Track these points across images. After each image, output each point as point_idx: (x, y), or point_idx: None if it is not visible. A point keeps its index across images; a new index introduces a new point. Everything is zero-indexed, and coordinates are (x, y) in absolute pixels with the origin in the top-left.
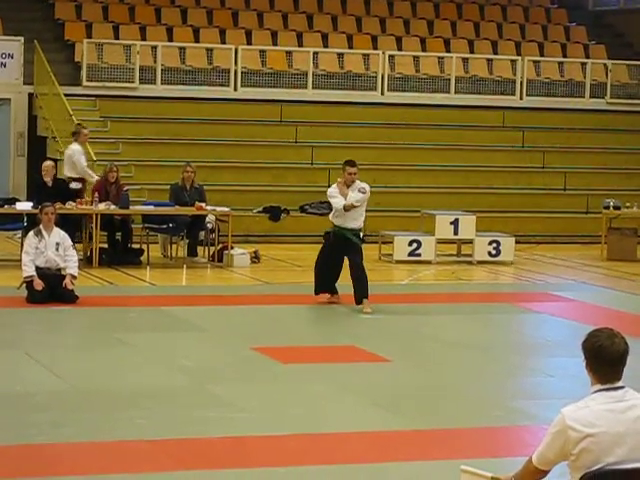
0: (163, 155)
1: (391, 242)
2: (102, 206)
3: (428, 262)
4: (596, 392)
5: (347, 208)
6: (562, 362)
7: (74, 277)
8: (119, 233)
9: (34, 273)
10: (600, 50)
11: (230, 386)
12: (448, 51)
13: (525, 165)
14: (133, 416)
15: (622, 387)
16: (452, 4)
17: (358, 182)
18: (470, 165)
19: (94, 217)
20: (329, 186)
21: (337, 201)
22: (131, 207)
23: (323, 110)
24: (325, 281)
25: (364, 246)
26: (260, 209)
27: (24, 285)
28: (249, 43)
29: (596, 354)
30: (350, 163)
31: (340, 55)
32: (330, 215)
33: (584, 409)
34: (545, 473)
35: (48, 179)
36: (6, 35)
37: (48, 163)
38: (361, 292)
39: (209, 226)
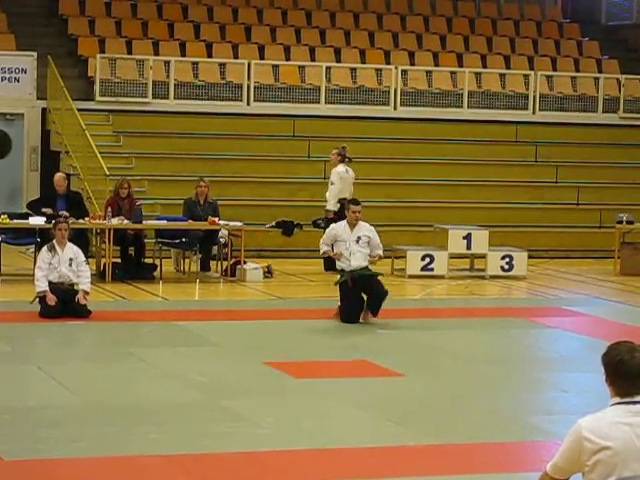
0: (176, 170)
1: (404, 257)
2: (115, 221)
3: (441, 277)
4: (614, 405)
5: (335, 254)
6: (576, 377)
7: (87, 293)
8: (132, 248)
9: (47, 288)
10: (613, 65)
11: (243, 401)
12: (461, 66)
13: (538, 180)
14: (147, 431)
15: None
16: (465, 19)
17: (362, 223)
18: (483, 180)
19: (107, 232)
20: None
21: (323, 247)
22: (144, 222)
23: (336, 125)
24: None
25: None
26: (273, 224)
27: (37, 300)
28: (262, 58)
29: (616, 368)
30: (354, 202)
31: (353, 70)
32: (339, 264)
33: (601, 420)
34: None
35: (61, 191)
36: (19, 50)
37: (59, 175)
38: (372, 306)
39: (222, 241)
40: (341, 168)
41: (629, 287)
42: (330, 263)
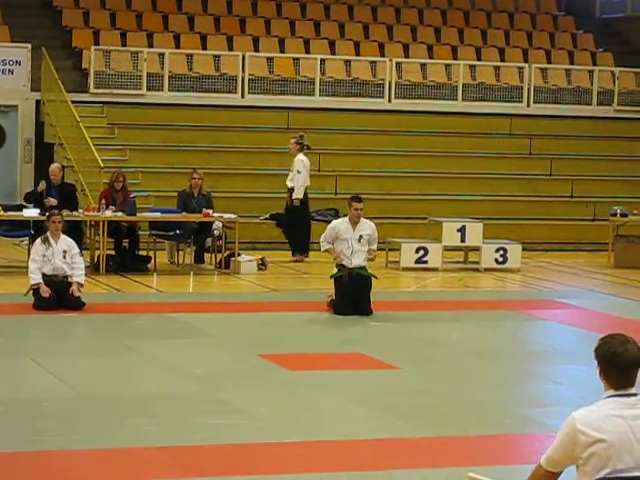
0: (170, 162)
1: (398, 249)
2: (109, 213)
3: (435, 269)
4: (608, 397)
5: (335, 258)
6: (569, 369)
7: (81, 285)
8: (126, 240)
9: (41, 280)
10: (607, 57)
11: (238, 393)
12: (455, 58)
13: (532, 172)
14: (141, 423)
15: (635, 394)
16: (459, 11)
17: (363, 220)
18: (477, 172)
19: (101, 224)
20: (336, 193)
21: (325, 245)
22: (138, 214)
23: (330, 117)
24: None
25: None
26: (267, 216)
27: (31, 292)
28: (256, 50)
29: (609, 360)
30: (356, 199)
31: (347, 62)
32: (339, 262)
33: (595, 413)
34: (555, 477)
35: (55, 182)
36: (14, 42)
37: (55, 165)
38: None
39: (216, 233)
40: (303, 156)
41: (623, 280)
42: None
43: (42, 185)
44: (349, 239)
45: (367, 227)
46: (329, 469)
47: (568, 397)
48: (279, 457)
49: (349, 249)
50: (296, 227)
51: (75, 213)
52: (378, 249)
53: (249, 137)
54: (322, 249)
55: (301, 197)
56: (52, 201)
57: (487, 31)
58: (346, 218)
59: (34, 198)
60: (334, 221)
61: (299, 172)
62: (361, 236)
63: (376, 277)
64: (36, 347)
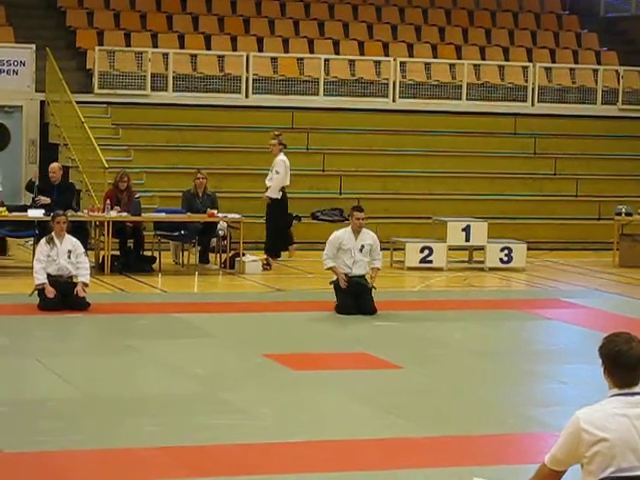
0: (174, 162)
1: (402, 249)
2: (114, 213)
3: (440, 269)
4: (612, 396)
5: (338, 278)
6: (574, 369)
7: (86, 285)
8: (131, 240)
9: (46, 280)
10: (612, 56)
11: (242, 393)
12: (459, 58)
13: (537, 172)
14: (144, 423)
15: (639, 393)
16: (463, 11)
17: (365, 230)
18: (481, 172)
19: (106, 224)
20: (340, 193)
21: (328, 262)
22: (142, 214)
23: (334, 117)
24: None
25: None
26: None
27: (36, 292)
28: (260, 50)
29: (614, 359)
30: (358, 209)
31: (351, 62)
32: (343, 285)
33: (599, 412)
34: (559, 476)
35: (55, 180)
36: (18, 42)
37: (55, 164)
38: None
39: (221, 233)
40: (284, 157)
41: (628, 279)
42: (276, 248)
43: (35, 174)
44: (352, 249)
45: (369, 237)
46: (332, 469)
47: (573, 397)
48: (282, 457)
49: (351, 259)
50: (273, 228)
51: (80, 213)
52: (382, 249)
53: (253, 137)
54: (325, 267)
55: (274, 197)
56: (43, 199)
57: (491, 30)
58: (348, 228)
59: (31, 189)
60: (335, 232)
61: (278, 173)
62: (363, 246)
63: (375, 288)
64: (41, 347)
